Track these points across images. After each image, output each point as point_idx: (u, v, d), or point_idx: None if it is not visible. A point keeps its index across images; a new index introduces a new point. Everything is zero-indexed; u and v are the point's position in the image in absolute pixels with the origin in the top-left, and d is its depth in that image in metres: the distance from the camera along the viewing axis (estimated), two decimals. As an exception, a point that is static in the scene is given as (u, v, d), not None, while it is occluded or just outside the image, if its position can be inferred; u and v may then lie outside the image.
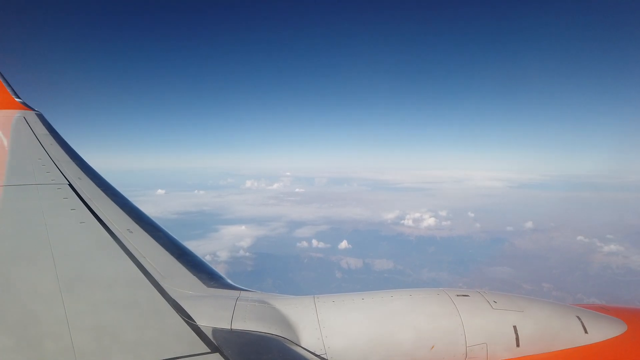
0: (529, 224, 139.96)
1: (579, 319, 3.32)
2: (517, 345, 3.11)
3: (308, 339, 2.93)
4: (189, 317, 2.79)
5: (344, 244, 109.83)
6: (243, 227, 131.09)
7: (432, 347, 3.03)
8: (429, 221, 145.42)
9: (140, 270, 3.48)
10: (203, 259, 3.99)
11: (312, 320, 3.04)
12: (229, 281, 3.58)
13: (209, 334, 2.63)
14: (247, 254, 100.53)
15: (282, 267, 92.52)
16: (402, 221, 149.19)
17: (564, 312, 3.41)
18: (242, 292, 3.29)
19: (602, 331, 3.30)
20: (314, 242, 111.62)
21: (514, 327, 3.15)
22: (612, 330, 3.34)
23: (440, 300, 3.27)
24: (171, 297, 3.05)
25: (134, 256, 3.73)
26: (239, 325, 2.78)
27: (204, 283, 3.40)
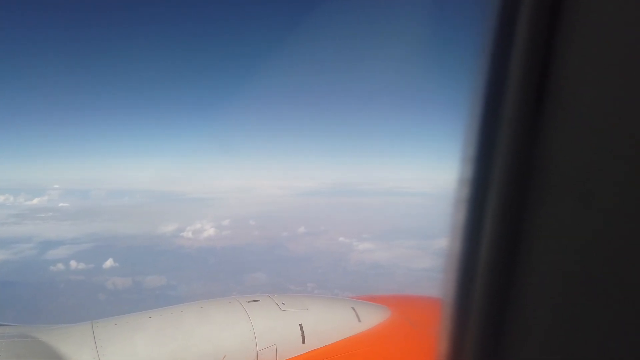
0: (302, 229, 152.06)
1: (354, 310, 3.73)
2: (303, 342, 3.35)
3: None
4: None
5: (109, 263, 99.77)
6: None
7: (224, 356, 3.07)
8: (210, 232, 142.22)
9: None
10: None
11: (89, 349, 2.85)
12: None
13: None
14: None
15: (29, 296, 77.93)
16: (182, 234, 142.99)
17: (341, 306, 3.85)
18: None
19: (372, 318, 3.75)
20: (73, 264, 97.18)
21: (300, 325, 3.38)
22: (380, 316, 3.82)
23: (232, 309, 3.38)
24: None
25: None
26: None
27: None
